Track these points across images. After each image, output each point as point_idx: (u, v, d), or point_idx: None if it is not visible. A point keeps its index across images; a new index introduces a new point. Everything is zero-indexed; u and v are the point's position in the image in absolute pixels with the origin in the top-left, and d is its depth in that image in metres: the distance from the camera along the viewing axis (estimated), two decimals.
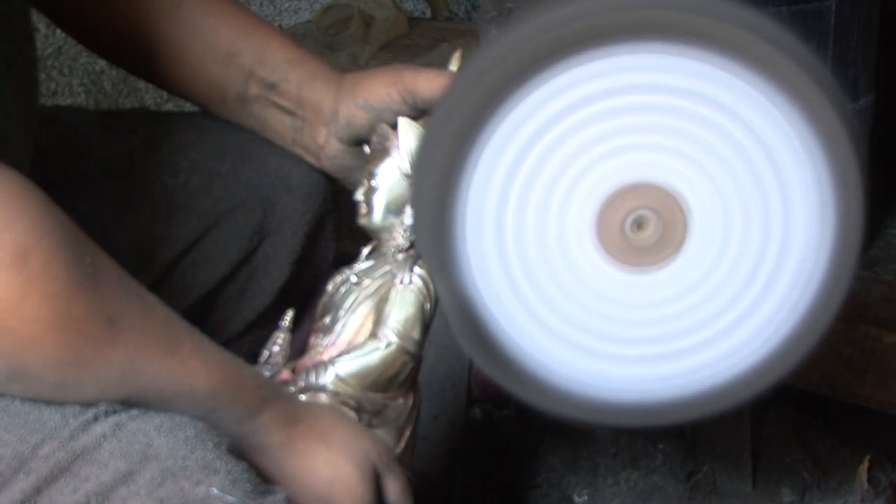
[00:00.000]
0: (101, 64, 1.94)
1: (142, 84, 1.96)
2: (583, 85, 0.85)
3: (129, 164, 1.09)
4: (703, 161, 0.86)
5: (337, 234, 1.24)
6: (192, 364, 0.79)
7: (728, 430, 1.45)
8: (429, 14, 2.47)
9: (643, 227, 0.87)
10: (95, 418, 0.75)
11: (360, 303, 0.98)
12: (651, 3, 0.83)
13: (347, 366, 0.94)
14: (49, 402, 0.75)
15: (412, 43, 2.17)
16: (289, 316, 1.03)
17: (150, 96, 1.98)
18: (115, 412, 0.76)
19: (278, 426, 0.84)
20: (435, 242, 0.88)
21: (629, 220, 0.87)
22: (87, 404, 0.76)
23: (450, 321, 0.90)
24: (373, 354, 0.95)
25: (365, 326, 0.97)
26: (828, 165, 0.84)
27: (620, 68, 0.84)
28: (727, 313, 0.89)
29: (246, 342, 1.16)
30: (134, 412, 0.77)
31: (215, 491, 0.75)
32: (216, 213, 1.11)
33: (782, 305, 0.88)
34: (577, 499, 1.42)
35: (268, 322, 1.17)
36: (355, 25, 2.11)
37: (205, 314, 1.12)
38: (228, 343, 1.16)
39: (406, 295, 0.95)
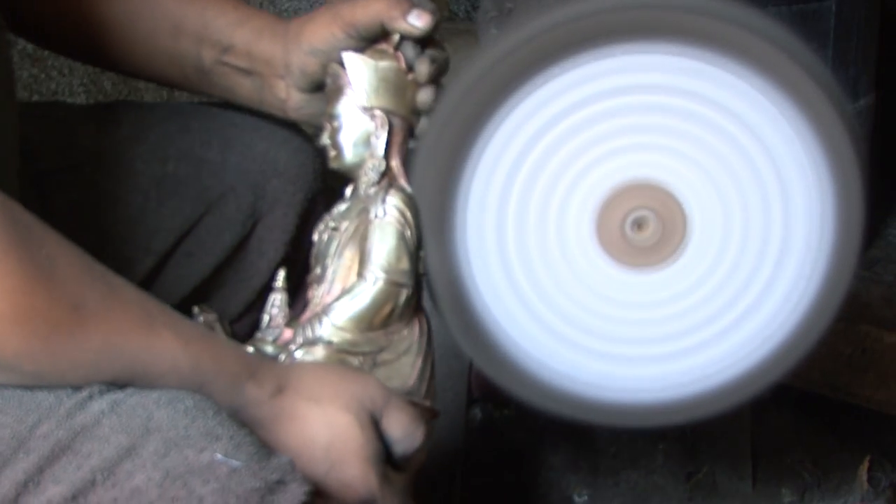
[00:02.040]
0: None
1: (142, 84, 1.96)
2: (583, 85, 0.85)
3: (116, 155, 1.10)
4: (703, 161, 0.86)
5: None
6: (169, 339, 0.79)
7: (728, 430, 1.45)
8: None
9: (643, 227, 0.87)
10: (90, 397, 0.75)
11: (344, 246, 0.97)
12: (651, 4, 0.83)
13: (340, 312, 0.93)
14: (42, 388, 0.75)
15: None
16: (281, 276, 1.03)
17: (151, 96, 1.98)
18: (109, 390, 0.76)
19: (266, 396, 0.83)
20: (436, 243, 0.88)
21: (629, 220, 0.87)
22: (79, 387, 0.76)
23: (450, 321, 0.90)
24: (362, 296, 0.93)
25: (353, 269, 0.96)
26: (828, 165, 0.84)
27: (621, 69, 0.84)
28: (727, 313, 0.89)
29: (246, 323, 1.16)
30: (130, 389, 0.77)
31: (219, 456, 0.75)
32: (207, 200, 1.12)
33: (782, 305, 0.88)
34: (577, 499, 1.42)
35: (266, 302, 1.18)
36: None
37: (204, 298, 1.12)
38: (230, 325, 1.17)
39: (384, 228, 0.94)
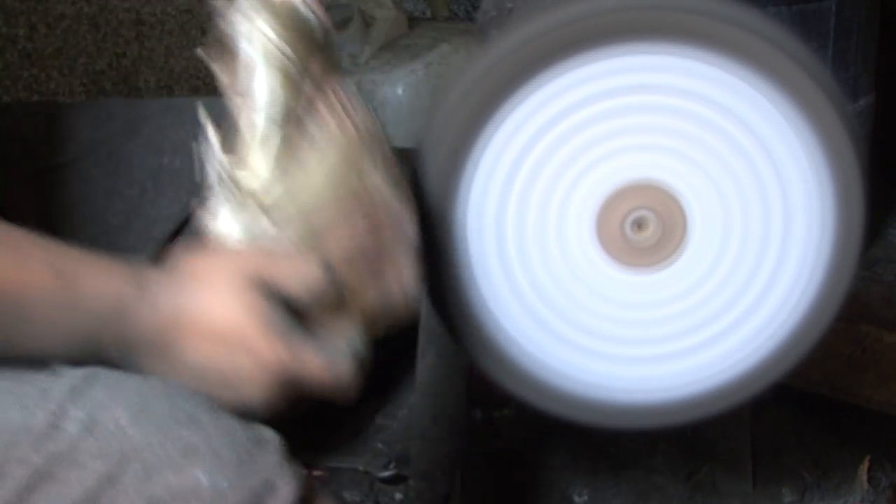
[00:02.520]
0: (101, 64, 1.95)
1: (142, 84, 1.96)
2: (583, 86, 0.85)
3: (112, 149, 1.11)
4: (703, 161, 0.86)
5: None
6: (42, 273, 0.75)
7: (728, 430, 1.45)
8: (429, 14, 2.47)
9: (643, 227, 0.87)
10: (63, 411, 0.73)
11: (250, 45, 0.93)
12: (651, 4, 0.83)
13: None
14: (8, 390, 0.73)
15: (412, 43, 2.17)
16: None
17: (151, 97, 1.98)
18: (76, 400, 0.74)
19: (152, 322, 0.79)
20: (436, 243, 0.88)
21: (629, 221, 0.87)
22: (44, 389, 0.74)
23: (450, 322, 0.90)
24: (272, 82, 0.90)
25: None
26: (828, 165, 0.85)
27: (621, 69, 0.84)
28: (727, 313, 0.89)
29: None
30: (97, 385, 0.75)
31: (202, 476, 0.73)
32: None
33: (782, 305, 0.88)
34: (577, 499, 1.42)
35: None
36: (355, 25, 2.11)
37: None
38: None
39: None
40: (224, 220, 0.89)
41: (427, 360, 1.36)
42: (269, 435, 0.79)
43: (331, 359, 0.84)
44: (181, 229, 1.13)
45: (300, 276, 0.84)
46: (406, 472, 1.46)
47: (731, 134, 0.85)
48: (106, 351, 0.78)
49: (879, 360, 1.44)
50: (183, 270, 0.82)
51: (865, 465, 1.45)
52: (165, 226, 1.12)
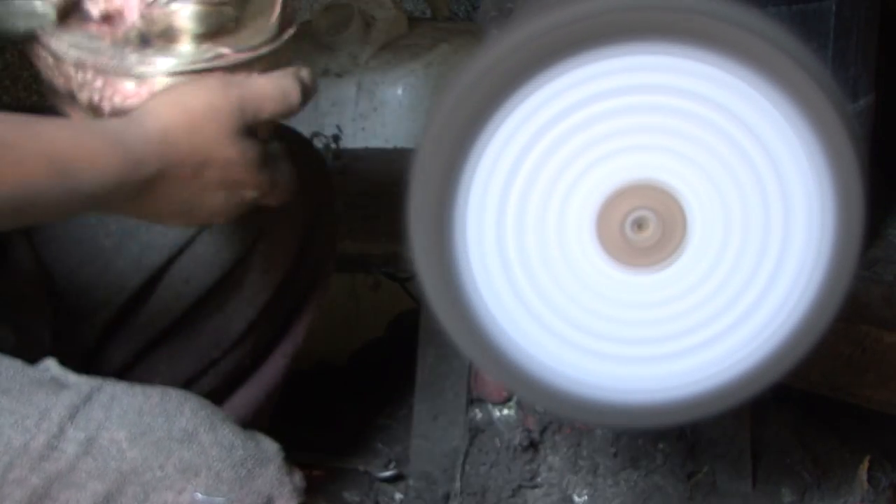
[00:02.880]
0: None
1: None
2: (583, 86, 0.85)
3: None
4: (702, 161, 0.86)
5: (335, 230, 1.24)
6: (37, 162, 0.76)
7: (728, 430, 1.45)
8: (429, 14, 2.47)
9: (643, 227, 0.87)
10: (62, 431, 0.74)
11: None
12: (651, 4, 0.83)
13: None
14: (8, 410, 0.73)
15: (412, 43, 2.17)
16: None
17: None
18: (75, 419, 0.74)
19: (141, 183, 0.81)
20: (435, 243, 0.88)
21: (629, 221, 0.87)
22: (45, 410, 0.74)
23: (450, 321, 0.90)
24: None
25: None
26: (828, 165, 0.85)
27: (620, 69, 0.84)
28: (727, 313, 0.89)
29: (249, 341, 1.16)
30: (97, 405, 0.75)
31: (199, 496, 0.74)
32: None
33: (782, 305, 0.88)
34: (577, 499, 1.42)
35: (270, 319, 1.17)
36: (355, 25, 2.11)
37: (207, 314, 1.12)
38: (233, 341, 1.16)
39: None
40: (59, 39, 0.89)
41: (427, 360, 1.36)
42: (270, 447, 0.80)
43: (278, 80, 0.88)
44: (174, 259, 1.10)
45: (280, 94, 0.87)
46: (406, 472, 1.46)
47: (731, 134, 0.85)
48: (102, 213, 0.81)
49: (879, 360, 1.44)
50: (167, 114, 0.84)
51: (865, 465, 1.45)
52: (158, 253, 1.09)
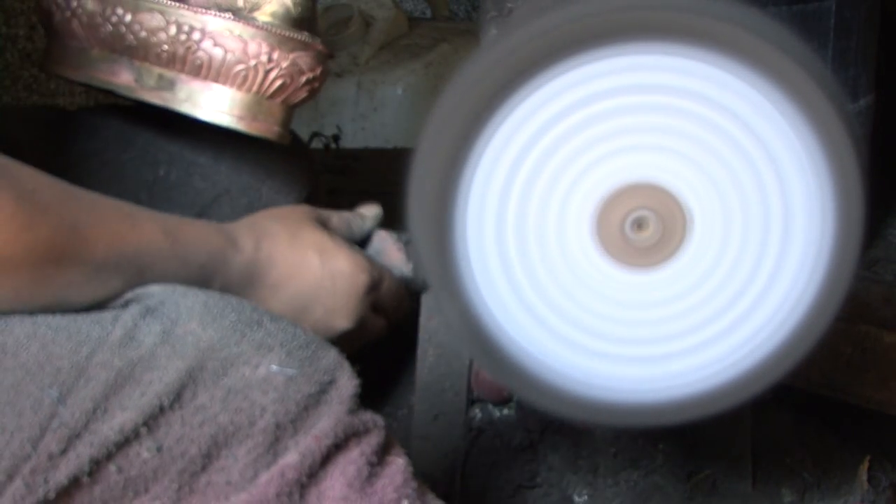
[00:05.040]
0: None
1: None
2: (583, 85, 0.85)
3: (104, 158, 1.11)
4: (702, 161, 0.86)
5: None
6: (154, 231, 0.84)
7: (728, 430, 1.45)
8: (429, 14, 2.47)
9: (643, 227, 0.88)
10: (135, 325, 0.79)
11: None
12: (651, 4, 0.83)
13: None
14: (82, 316, 0.78)
15: (412, 43, 2.17)
16: None
17: None
18: (146, 311, 0.80)
19: (249, 253, 0.91)
20: (435, 243, 0.88)
21: (629, 220, 0.87)
22: (117, 314, 0.79)
23: (450, 321, 0.90)
24: None
25: None
26: (828, 165, 0.85)
27: (620, 69, 0.84)
28: (727, 313, 0.89)
29: None
30: (168, 306, 0.80)
31: (275, 367, 0.79)
32: (200, 203, 1.12)
33: (782, 305, 0.88)
34: (577, 499, 1.42)
35: None
36: (355, 25, 2.11)
37: None
38: None
39: None
40: None
41: (427, 360, 1.36)
42: (326, 341, 0.86)
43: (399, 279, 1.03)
44: None
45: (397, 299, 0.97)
46: None
47: (731, 134, 0.85)
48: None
49: (879, 360, 1.43)
50: (260, 221, 0.95)
51: (865, 465, 1.45)
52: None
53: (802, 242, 0.87)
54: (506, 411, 1.52)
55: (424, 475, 0.97)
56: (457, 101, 0.85)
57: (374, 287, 1.01)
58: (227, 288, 0.88)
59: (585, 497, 1.43)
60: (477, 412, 1.51)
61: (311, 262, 0.96)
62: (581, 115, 0.85)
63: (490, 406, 1.51)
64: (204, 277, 0.86)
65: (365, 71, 2.13)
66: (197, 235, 0.87)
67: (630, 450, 1.45)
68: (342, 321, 0.99)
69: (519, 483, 1.42)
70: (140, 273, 0.82)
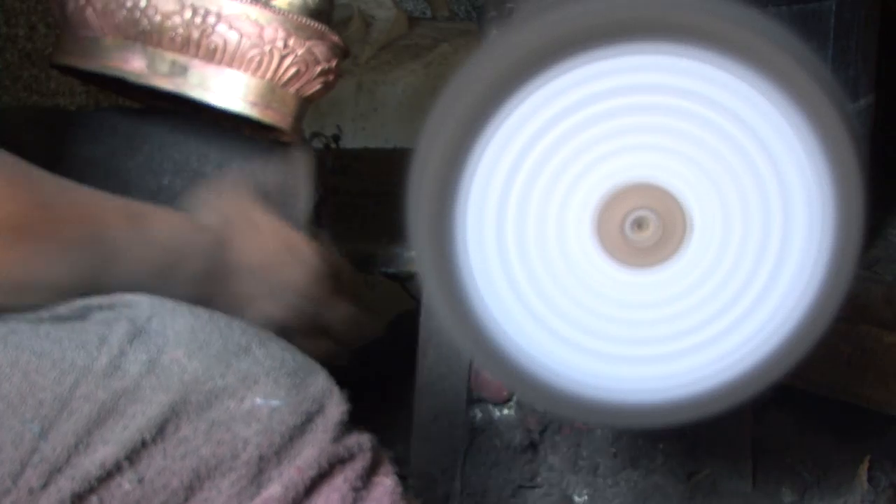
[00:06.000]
0: None
1: None
2: (583, 85, 0.85)
3: (109, 165, 1.10)
4: (702, 161, 0.86)
5: (332, 223, 1.25)
6: (117, 212, 0.85)
7: (728, 430, 1.45)
8: (429, 14, 2.47)
9: (643, 227, 0.87)
10: (122, 353, 0.78)
11: None
12: (651, 4, 0.83)
13: None
14: (67, 339, 0.78)
15: (412, 43, 2.17)
16: None
17: None
18: (135, 339, 0.79)
19: (210, 244, 0.92)
20: (435, 243, 0.88)
21: (629, 221, 0.87)
22: (103, 336, 0.79)
23: (450, 321, 0.90)
24: None
25: None
26: (828, 165, 0.85)
27: (621, 69, 0.84)
28: (727, 313, 0.89)
29: None
30: (155, 325, 0.80)
31: (259, 400, 0.79)
32: None
33: (782, 305, 0.88)
34: (577, 499, 1.42)
35: None
36: (355, 25, 2.11)
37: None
38: None
39: None
40: None
41: (427, 360, 1.36)
42: (316, 364, 0.85)
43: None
44: None
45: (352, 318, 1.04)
46: (406, 472, 1.45)
47: (731, 134, 0.85)
48: (173, 282, 0.87)
49: (879, 360, 1.43)
50: (220, 205, 0.96)
51: (865, 465, 1.45)
52: None
53: (802, 242, 0.87)
54: (506, 411, 1.52)
55: (424, 475, 0.97)
56: (457, 100, 0.85)
57: (331, 266, 1.02)
58: (193, 271, 0.89)
59: (585, 497, 1.43)
60: (477, 412, 1.51)
61: (270, 240, 0.97)
62: (581, 115, 0.85)
63: (490, 406, 1.51)
64: (169, 263, 0.87)
65: (365, 71, 2.13)
66: (160, 218, 0.88)
67: (630, 450, 1.45)
68: (303, 299, 0.99)
69: (519, 483, 1.42)
70: (106, 260, 0.82)
